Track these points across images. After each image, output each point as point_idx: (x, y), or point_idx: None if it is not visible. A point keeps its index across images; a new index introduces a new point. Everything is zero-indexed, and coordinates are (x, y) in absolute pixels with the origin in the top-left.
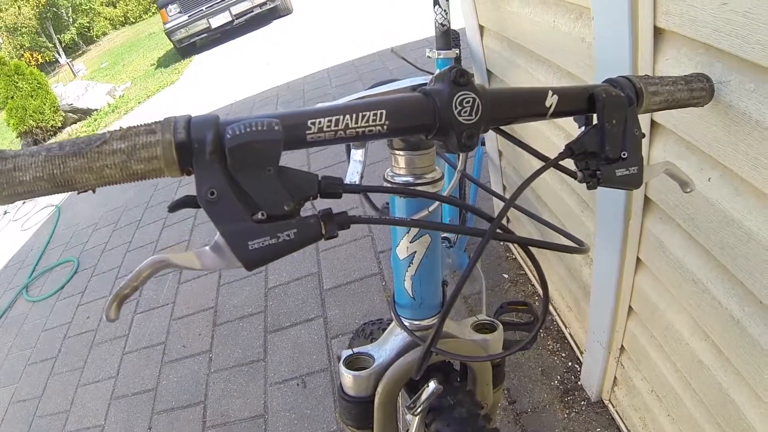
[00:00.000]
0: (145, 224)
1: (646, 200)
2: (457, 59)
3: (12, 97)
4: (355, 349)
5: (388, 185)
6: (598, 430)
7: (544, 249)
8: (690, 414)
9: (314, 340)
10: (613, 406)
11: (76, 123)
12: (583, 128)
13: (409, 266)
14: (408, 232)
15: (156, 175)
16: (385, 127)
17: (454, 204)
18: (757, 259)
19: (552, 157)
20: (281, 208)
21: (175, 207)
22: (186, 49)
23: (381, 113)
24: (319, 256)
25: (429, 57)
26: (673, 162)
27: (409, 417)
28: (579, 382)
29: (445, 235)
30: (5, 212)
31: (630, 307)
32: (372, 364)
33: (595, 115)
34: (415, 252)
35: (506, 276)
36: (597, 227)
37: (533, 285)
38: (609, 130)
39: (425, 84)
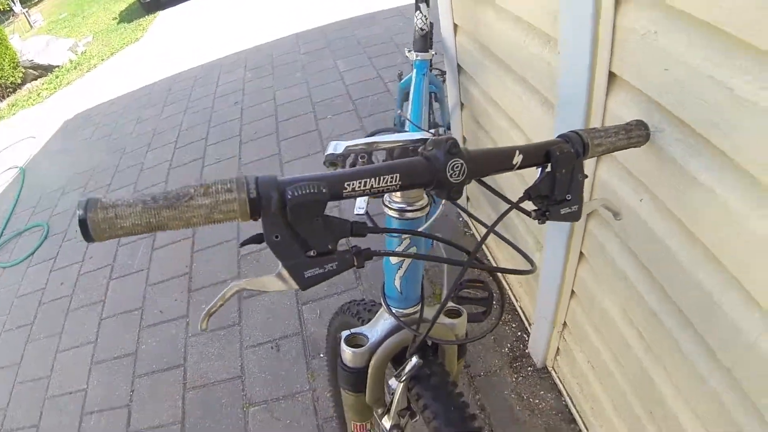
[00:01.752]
0: (115, 189)
1: None
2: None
3: None
4: (353, 330)
5: (388, 210)
6: (542, 393)
7: (502, 273)
8: (618, 385)
9: (286, 306)
10: (556, 373)
11: (36, 80)
12: (539, 172)
13: (399, 269)
14: (400, 244)
15: (231, 221)
16: (398, 185)
17: (440, 241)
18: (675, 270)
19: (514, 199)
20: (326, 246)
21: (246, 243)
22: (151, 4)
23: (396, 176)
24: None
25: (408, 57)
26: (615, 183)
27: (392, 383)
28: (527, 350)
29: None
30: None
31: (573, 291)
32: (366, 342)
33: (548, 165)
34: (404, 259)
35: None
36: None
37: (488, 260)
38: (559, 178)
39: (425, 139)
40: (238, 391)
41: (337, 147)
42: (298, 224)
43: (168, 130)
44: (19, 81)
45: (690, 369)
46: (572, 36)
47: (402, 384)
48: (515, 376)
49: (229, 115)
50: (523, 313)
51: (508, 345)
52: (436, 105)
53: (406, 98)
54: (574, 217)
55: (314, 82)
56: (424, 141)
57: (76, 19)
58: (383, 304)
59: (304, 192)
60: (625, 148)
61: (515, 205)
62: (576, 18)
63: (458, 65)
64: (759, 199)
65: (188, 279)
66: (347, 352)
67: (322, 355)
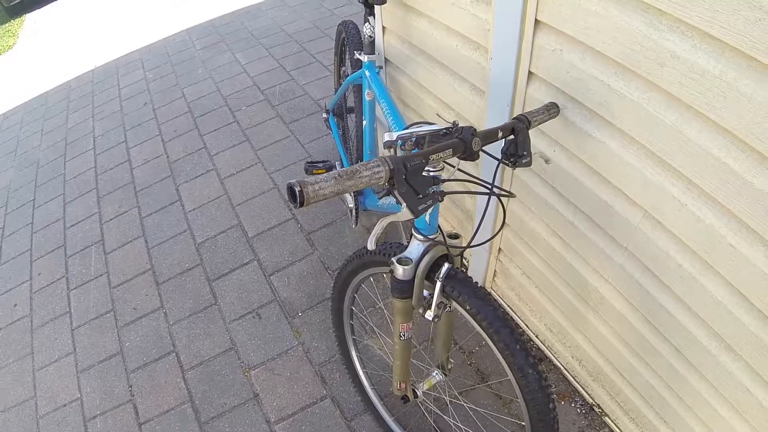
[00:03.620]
0: (43, 203)
1: None
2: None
3: None
4: (399, 255)
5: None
6: None
7: (507, 196)
8: (551, 283)
9: (255, 279)
10: (495, 291)
11: None
12: (503, 142)
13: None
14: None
15: (377, 183)
16: (451, 154)
17: (479, 183)
18: (582, 192)
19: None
20: (426, 191)
21: (383, 196)
22: (15, 7)
23: (450, 150)
24: (235, 210)
25: (358, 59)
26: (534, 140)
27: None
28: None
29: None
30: None
31: (504, 222)
32: (411, 262)
33: (512, 136)
34: None
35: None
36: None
37: None
38: (519, 142)
39: (449, 128)
40: (234, 361)
41: (391, 136)
42: (412, 181)
43: (81, 138)
44: None
45: (600, 253)
46: (502, 48)
47: (440, 283)
48: None
49: (142, 117)
50: None
51: None
52: None
53: (345, 88)
54: (528, 163)
55: (219, 77)
56: (448, 128)
57: None
58: (417, 234)
59: (415, 163)
60: (548, 120)
61: (501, 161)
62: (506, 37)
63: (386, 59)
64: (627, 143)
65: (152, 274)
66: (399, 269)
67: (300, 314)
